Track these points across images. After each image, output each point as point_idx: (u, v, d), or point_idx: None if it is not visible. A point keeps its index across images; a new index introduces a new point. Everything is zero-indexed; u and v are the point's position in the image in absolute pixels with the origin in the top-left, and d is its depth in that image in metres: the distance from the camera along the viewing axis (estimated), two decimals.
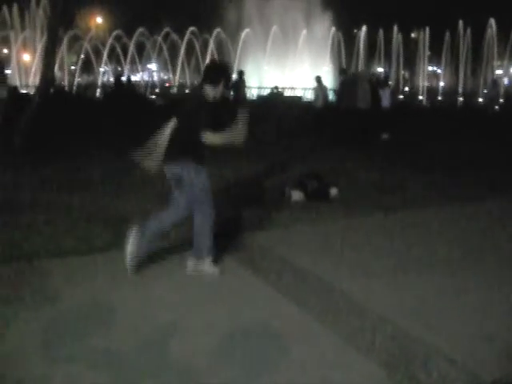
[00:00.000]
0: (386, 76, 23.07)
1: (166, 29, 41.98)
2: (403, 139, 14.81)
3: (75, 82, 40.21)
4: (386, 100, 16.75)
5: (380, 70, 47.87)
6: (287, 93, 28.45)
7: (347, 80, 16.43)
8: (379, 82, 17.70)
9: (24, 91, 28.04)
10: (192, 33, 40.63)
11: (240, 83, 18.23)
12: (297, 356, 3.65)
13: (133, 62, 43.98)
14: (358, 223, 6.91)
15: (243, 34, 37.71)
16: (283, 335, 3.92)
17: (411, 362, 3.59)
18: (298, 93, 28.47)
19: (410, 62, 47.54)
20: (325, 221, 6.95)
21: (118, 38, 41.86)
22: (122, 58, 43.23)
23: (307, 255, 5.58)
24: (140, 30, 41.26)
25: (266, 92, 27.74)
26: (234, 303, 4.43)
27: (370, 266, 5.34)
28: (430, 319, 4.22)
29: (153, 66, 49.77)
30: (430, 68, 52.25)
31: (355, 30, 47.06)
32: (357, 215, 7.24)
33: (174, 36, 41.94)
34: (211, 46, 40.22)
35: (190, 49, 41.54)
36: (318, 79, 18.02)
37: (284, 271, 5.11)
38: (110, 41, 41.75)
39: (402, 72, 47.85)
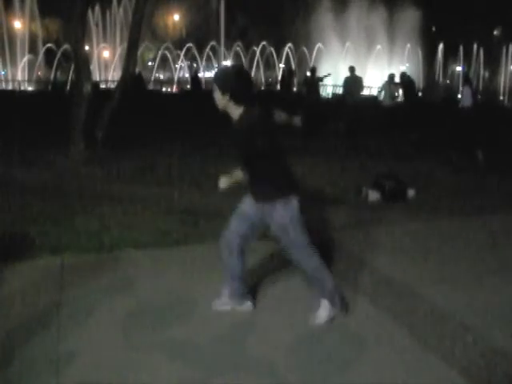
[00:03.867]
0: (466, 74, 22.34)
1: (238, 42, 43.08)
2: (484, 141, 14.36)
3: (152, 78, 41.24)
4: (466, 99, 16.15)
5: (458, 68, 46.62)
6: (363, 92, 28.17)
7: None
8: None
9: (103, 86, 28.97)
10: (264, 46, 41.81)
11: (312, 80, 18.04)
12: (375, 357, 3.60)
13: (208, 59, 44.84)
14: (436, 225, 6.74)
15: (316, 47, 38.46)
16: (361, 336, 3.87)
17: (493, 371, 3.46)
18: (373, 92, 28.15)
19: (492, 61, 46.02)
20: (402, 222, 6.81)
21: (190, 49, 43.16)
22: (197, 54, 44.09)
23: (384, 256, 5.49)
24: (212, 43, 42.36)
25: (341, 91, 27.55)
26: (310, 302, 4.40)
27: (450, 270, 5.20)
28: None
29: (228, 63, 50.34)
30: None
31: (433, 29, 46.12)
32: (435, 217, 7.06)
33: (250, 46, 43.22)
34: (286, 49, 40.97)
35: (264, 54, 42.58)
36: (391, 77, 17.66)
37: (361, 272, 5.04)
38: (186, 46, 42.93)
39: (482, 71, 46.41)
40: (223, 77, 3.96)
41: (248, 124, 3.84)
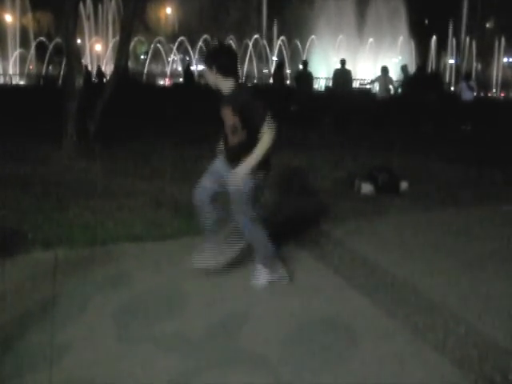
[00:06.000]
0: (468, 70, 22.67)
1: (230, 36, 43.03)
2: (479, 134, 14.44)
3: (145, 72, 41.13)
4: (465, 93, 16.54)
5: (451, 61, 46.67)
6: (356, 84, 28.18)
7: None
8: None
9: (95, 80, 28.84)
10: (256, 39, 41.83)
11: (304, 74, 18.17)
12: (368, 350, 3.61)
13: (201, 52, 44.74)
14: (428, 218, 6.76)
15: (309, 40, 38.48)
16: (355, 328, 3.89)
17: (486, 361, 3.48)
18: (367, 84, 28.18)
19: (484, 54, 46.12)
20: (394, 214, 6.83)
21: (182, 42, 43.02)
22: (189, 47, 43.99)
23: (378, 249, 5.51)
24: (205, 36, 42.32)
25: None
26: (305, 295, 4.42)
27: (442, 262, 5.22)
28: (505, 318, 4.09)
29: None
30: (506, 60, 50.39)
31: (426, 21, 46.18)
32: (427, 210, 7.09)
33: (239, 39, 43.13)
34: (279, 42, 40.93)
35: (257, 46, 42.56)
36: (384, 69, 17.71)
37: (355, 264, 5.06)
38: (178, 39, 42.80)
39: (475, 64, 46.46)
40: (208, 54, 4.47)
41: (247, 91, 4.44)
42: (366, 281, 4.70)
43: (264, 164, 4.24)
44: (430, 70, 41.98)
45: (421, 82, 16.88)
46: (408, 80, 17.92)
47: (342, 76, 17.11)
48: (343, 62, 17.18)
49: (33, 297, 4.24)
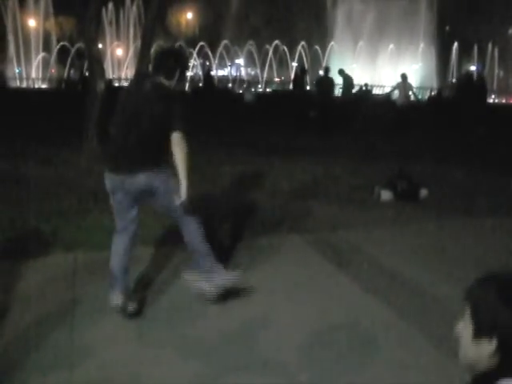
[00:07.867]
0: (471, 75, 22.60)
1: (251, 41, 43.16)
2: (499, 141, 14.29)
3: None
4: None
5: (473, 68, 46.32)
6: (376, 91, 28.09)
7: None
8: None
9: (116, 84, 29.10)
10: (277, 45, 41.91)
11: (326, 80, 18.22)
12: (385, 357, 3.59)
13: (221, 57, 44.94)
14: (448, 226, 6.71)
15: (329, 46, 38.56)
16: (371, 335, 3.87)
17: None
18: (387, 91, 28.09)
19: (507, 60, 45.72)
20: (414, 222, 6.79)
21: (202, 47, 43.22)
22: (210, 53, 44.16)
23: (396, 256, 5.48)
24: (224, 41, 42.48)
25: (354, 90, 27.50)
26: (322, 301, 4.41)
27: (459, 270, 5.15)
28: None
29: (241, 61, 50.33)
30: None
31: (447, 27, 45.92)
32: (446, 218, 7.03)
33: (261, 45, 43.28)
34: (299, 47, 40.97)
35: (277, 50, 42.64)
36: (403, 76, 17.68)
37: (372, 271, 5.04)
38: (199, 44, 43.01)
39: (497, 71, 46.08)
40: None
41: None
42: (385, 288, 4.67)
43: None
44: (450, 76, 41.78)
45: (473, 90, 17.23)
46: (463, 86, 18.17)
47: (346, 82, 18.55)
48: (341, 71, 18.36)
49: (53, 299, 4.28)
